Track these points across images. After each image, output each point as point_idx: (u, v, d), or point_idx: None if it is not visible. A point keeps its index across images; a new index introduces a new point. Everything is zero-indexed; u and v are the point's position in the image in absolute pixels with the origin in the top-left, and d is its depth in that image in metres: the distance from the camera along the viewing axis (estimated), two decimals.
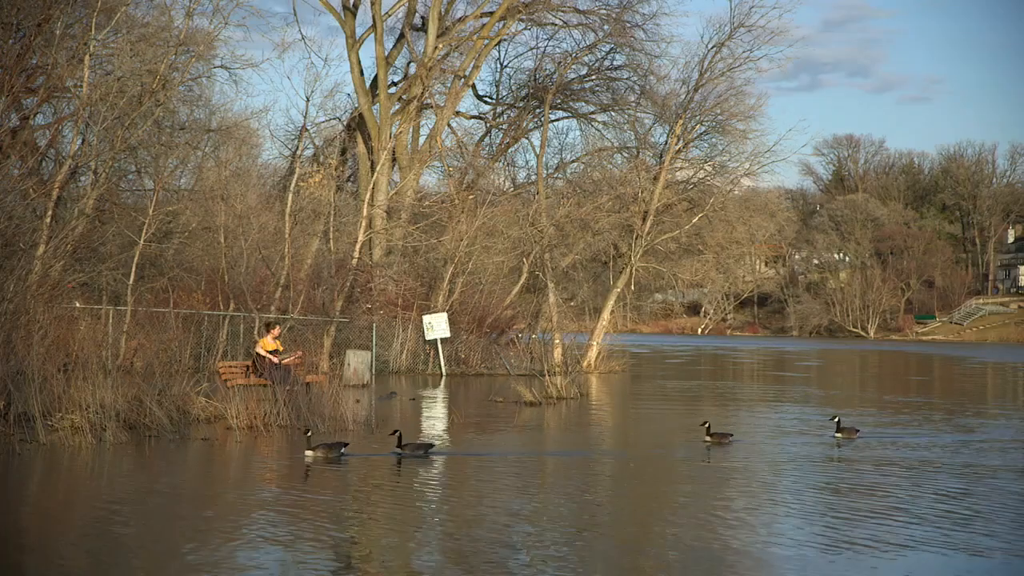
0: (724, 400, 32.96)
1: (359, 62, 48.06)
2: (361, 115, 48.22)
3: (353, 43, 48.04)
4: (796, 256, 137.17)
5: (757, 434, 22.97)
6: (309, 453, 17.61)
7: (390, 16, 49.31)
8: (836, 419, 22.11)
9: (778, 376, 48.59)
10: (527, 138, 53.71)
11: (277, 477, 16.32)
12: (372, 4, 47.45)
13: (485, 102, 55.09)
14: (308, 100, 67.27)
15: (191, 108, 40.32)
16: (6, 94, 26.76)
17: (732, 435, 21.03)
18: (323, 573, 10.94)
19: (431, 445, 18.67)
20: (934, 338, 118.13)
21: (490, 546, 12.01)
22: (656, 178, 45.30)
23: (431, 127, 49.45)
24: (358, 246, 39.52)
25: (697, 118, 46.06)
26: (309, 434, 18.15)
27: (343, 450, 17.78)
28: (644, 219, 44.66)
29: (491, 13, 48.63)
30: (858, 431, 21.93)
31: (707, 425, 20.73)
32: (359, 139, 49.27)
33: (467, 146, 53.00)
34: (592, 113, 53.25)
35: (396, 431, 18.47)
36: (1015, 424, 26.23)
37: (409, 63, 50.51)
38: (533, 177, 51.30)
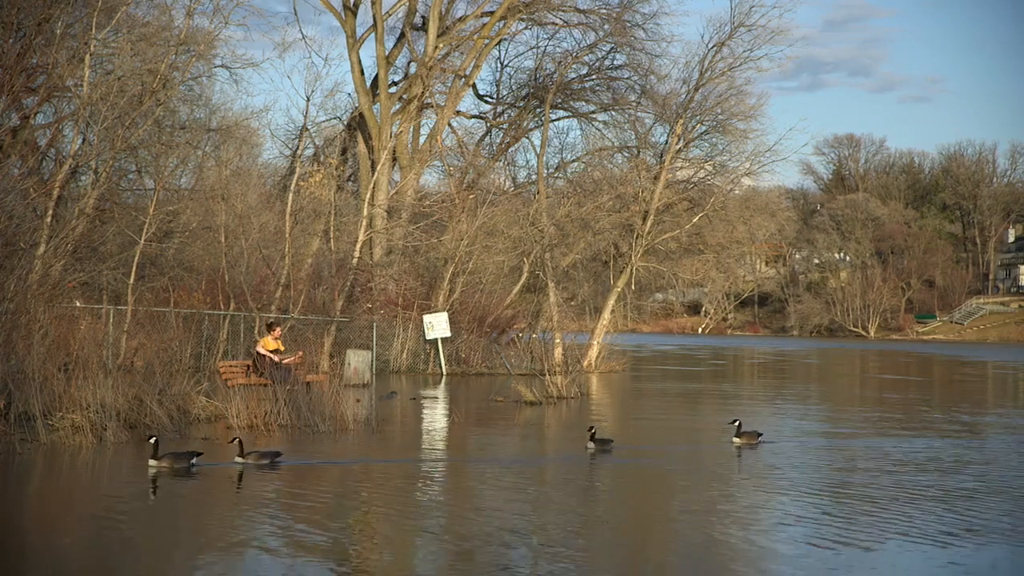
0: (716, 400, 32.98)
1: (359, 62, 48.10)
2: (361, 115, 48.23)
3: (353, 43, 48.04)
4: (796, 256, 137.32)
5: (670, 438, 22.16)
6: (153, 463, 15.95)
7: (391, 16, 49.36)
8: (736, 423, 20.41)
9: (775, 376, 48.60)
10: (527, 138, 53.76)
11: (276, 474, 16.31)
12: (373, 4, 47.45)
13: (486, 101, 55.13)
14: (308, 100, 67.13)
15: (191, 107, 40.33)
16: (6, 94, 26.76)
17: (612, 441, 19.60)
18: (325, 569, 10.95)
19: (278, 453, 17.12)
20: (935, 337, 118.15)
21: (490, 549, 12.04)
22: (656, 178, 45.31)
23: (431, 127, 49.52)
24: (358, 246, 39.51)
25: (698, 118, 46.10)
26: (153, 440, 16.33)
27: (194, 460, 16.20)
28: (644, 219, 44.69)
29: (491, 13, 48.64)
30: (760, 435, 20.36)
31: (593, 431, 19.25)
32: (359, 139, 49.28)
33: (467, 146, 52.98)
34: (592, 113, 53.26)
35: (236, 438, 17.02)
36: (951, 430, 25.44)
37: (409, 63, 50.55)
38: (533, 177, 51.34)
